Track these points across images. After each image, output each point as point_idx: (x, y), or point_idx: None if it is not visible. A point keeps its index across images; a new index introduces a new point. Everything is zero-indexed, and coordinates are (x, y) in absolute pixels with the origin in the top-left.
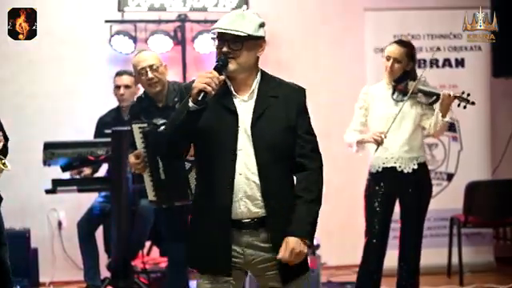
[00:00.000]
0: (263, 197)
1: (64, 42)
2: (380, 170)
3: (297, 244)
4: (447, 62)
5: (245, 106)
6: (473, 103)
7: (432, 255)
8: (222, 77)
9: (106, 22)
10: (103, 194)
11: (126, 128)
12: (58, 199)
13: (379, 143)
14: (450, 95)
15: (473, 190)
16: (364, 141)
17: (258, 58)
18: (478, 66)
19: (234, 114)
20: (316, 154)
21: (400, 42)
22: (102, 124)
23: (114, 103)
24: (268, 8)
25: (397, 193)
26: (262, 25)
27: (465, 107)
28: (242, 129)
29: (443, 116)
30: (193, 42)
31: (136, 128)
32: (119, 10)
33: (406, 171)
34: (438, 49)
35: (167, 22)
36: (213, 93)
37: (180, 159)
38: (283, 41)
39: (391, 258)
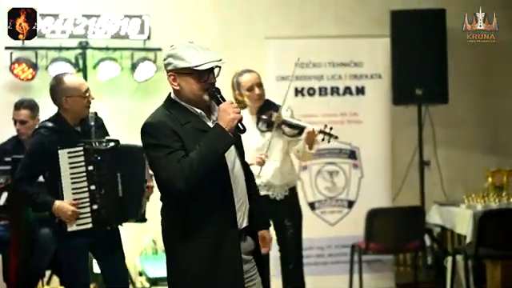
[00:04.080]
0: None
1: None
2: None
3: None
4: (348, 90)
5: None
6: (336, 137)
7: (333, 282)
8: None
9: (7, 48)
10: (2, 222)
11: None
12: None
13: (262, 164)
14: (313, 130)
15: (373, 217)
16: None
17: None
18: (378, 93)
19: None
20: None
21: (250, 71)
22: (2, 152)
23: (14, 131)
24: (169, 35)
25: (272, 219)
26: None
27: (329, 141)
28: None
29: (310, 148)
30: (94, 69)
31: (64, 154)
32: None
33: (278, 198)
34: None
35: (68, 49)
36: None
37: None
38: None
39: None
